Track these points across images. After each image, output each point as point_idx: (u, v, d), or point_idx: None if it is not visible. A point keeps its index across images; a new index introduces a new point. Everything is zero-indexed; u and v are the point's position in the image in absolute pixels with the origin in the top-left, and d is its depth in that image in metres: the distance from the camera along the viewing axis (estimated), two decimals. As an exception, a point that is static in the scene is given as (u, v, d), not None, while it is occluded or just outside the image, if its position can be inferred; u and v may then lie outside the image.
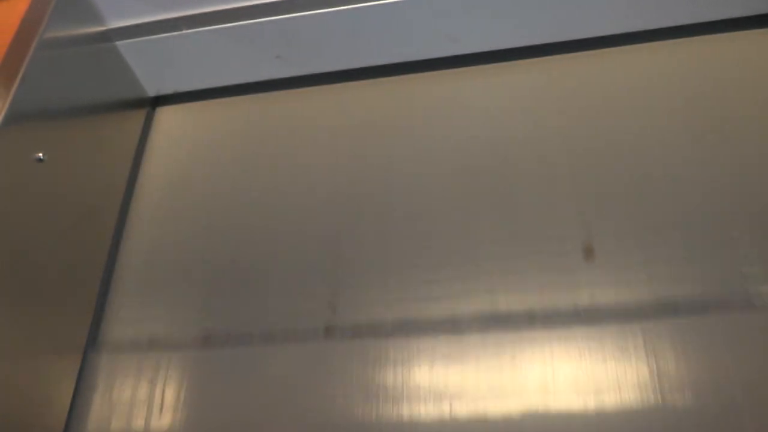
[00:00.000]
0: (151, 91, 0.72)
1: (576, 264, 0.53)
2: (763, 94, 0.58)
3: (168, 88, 0.71)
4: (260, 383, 0.52)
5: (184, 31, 0.64)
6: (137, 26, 0.64)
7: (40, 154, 0.53)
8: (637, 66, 0.63)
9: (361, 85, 0.68)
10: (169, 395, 0.53)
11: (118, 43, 0.66)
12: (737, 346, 0.47)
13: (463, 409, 0.48)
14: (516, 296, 0.52)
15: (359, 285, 0.55)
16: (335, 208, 0.60)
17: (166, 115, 0.72)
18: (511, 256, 0.54)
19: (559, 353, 0.49)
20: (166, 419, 0.52)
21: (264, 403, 0.51)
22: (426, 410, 0.48)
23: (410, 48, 0.65)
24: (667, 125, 0.58)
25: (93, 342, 0.57)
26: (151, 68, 0.69)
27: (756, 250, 0.50)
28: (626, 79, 0.62)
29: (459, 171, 0.60)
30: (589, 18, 0.62)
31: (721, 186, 0.54)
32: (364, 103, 0.67)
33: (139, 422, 0.53)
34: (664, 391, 0.46)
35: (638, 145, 0.58)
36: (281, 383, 0.52)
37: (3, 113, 0.49)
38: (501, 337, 0.50)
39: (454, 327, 0.52)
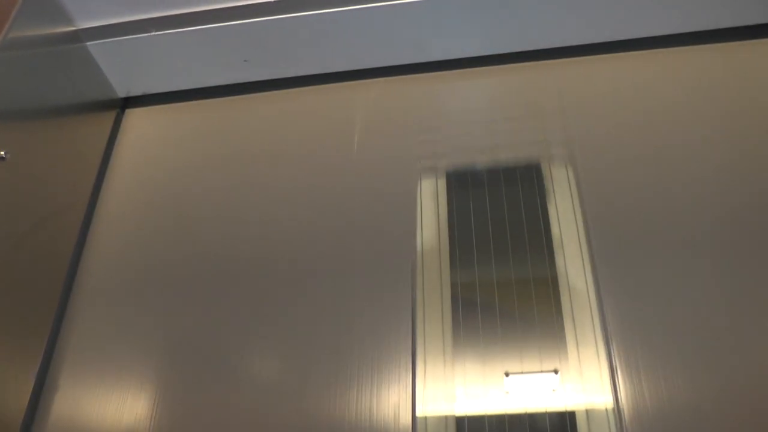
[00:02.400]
0: (121, 93, 0.72)
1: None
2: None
3: (138, 90, 0.71)
4: (227, 382, 0.52)
5: (152, 33, 0.64)
6: (106, 27, 0.65)
7: (2, 153, 0.52)
8: (608, 74, 0.64)
9: (327, 89, 0.68)
10: (133, 397, 0.53)
11: (88, 43, 0.66)
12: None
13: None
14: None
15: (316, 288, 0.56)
16: (302, 210, 0.60)
17: (134, 117, 0.72)
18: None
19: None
20: (129, 419, 0.52)
21: (227, 405, 0.51)
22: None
23: (377, 54, 0.66)
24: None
25: (53, 343, 0.57)
26: (122, 69, 0.69)
27: None
28: (606, 87, 0.63)
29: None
30: (565, 28, 0.63)
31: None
32: (331, 106, 0.67)
33: (99, 420, 0.52)
34: None
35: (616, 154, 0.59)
36: (244, 384, 0.52)
37: (-38, 111, 0.49)
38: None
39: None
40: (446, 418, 0.48)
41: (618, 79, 0.63)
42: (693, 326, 0.48)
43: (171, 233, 0.62)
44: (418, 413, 0.48)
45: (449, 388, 0.49)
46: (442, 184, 0.60)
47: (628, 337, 0.49)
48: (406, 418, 0.48)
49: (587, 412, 0.47)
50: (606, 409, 0.47)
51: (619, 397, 0.46)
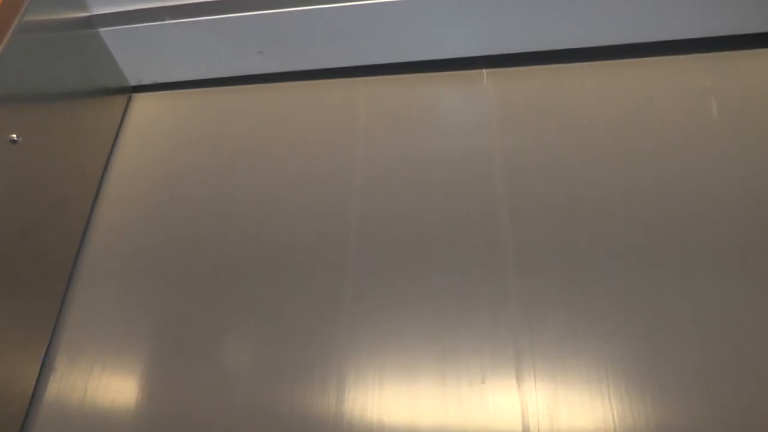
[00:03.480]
0: (133, 81, 0.72)
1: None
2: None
3: (149, 78, 0.71)
4: (221, 373, 0.52)
5: (167, 21, 0.64)
6: (121, 14, 0.64)
7: (14, 136, 0.52)
8: (625, 80, 0.64)
9: (340, 83, 0.68)
10: (134, 383, 0.53)
11: (101, 30, 0.66)
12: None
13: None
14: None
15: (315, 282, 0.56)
16: (309, 204, 0.60)
17: (144, 104, 0.72)
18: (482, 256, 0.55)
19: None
20: (130, 408, 0.52)
21: (222, 394, 0.51)
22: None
23: (391, 50, 0.66)
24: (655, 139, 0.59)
25: (62, 329, 0.57)
26: (134, 57, 0.69)
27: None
28: (609, 92, 0.63)
29: (433, 173, 0.60)
30: (574, 29, 0.63)
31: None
32: (342, 100, 0.67)
33: (105, 411, 0.52)
34: None
35: (620, 159, 0.59)
36: (242, 374, 0.52)
37: (-23, 93, 0.49)
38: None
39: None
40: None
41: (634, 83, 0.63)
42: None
43: (180, 221, 0.62)
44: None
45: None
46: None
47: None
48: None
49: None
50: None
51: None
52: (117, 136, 0.69)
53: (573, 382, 0.48)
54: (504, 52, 0.66)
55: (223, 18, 0.62)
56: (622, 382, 0.47)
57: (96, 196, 0.65)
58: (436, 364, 0.50)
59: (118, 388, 0.53)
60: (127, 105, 0.72)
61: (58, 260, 0.58)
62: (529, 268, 0.53)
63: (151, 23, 0.64)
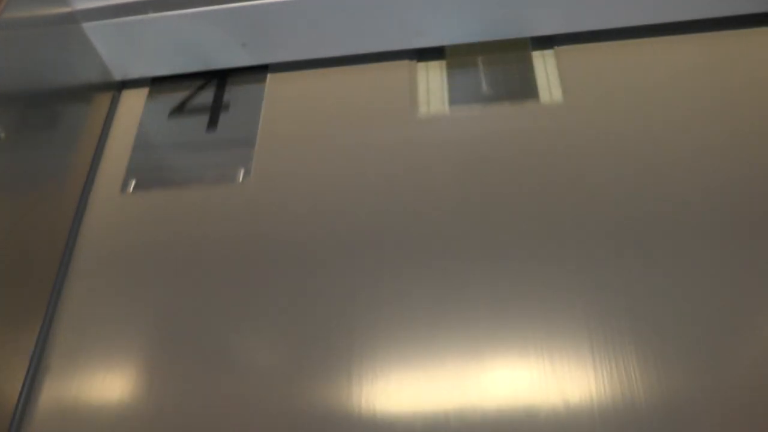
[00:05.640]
0: (118, 75, 0.71)
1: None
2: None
3: (135, 73, 0.71)
4: (222, 369, 0.52)
5: (150, 15, 0.63)
6: (103, 8, 0.64)
7: (-2, 132, 0.52)
8: (606, 65, 0.64)
9: (326, 74, 0.68)
10: (130, 378, 0.53)
11: (84, 24, 0.65)
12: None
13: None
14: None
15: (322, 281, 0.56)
16: (309, 198, 0.60)
17: (131, 99, 0.71)
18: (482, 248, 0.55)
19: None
20: (130, 408, 0.52)
21: (226, 393, 0.51)
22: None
23: (376, 39, 0.65)
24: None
25: (48, 327, 0.57)
26: (118, 52, 0.68)
27: None
28: (602, 77, 0.63)
29: (421, 164, 0.60)
30: (561, 15, 0.63)
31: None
32: (329, 92, 0.67)
33: (104, 412, 0.52)
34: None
35: (614, 148, 0.58)
36: (246, 370, 0.52)
37: (-42, 91, 0.49)
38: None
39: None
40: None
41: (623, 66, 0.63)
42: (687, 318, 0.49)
43: (167, 215, 0.62)
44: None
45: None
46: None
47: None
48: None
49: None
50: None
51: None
52: (105, 131, 0.69)
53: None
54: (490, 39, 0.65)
55: (205, 10, 0.62)
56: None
57: (87, 191, 0.64)
58: (461, 350, 0.50)
59: (117, 387, 0.53)
60: (115, 100, 0.72)
61: (44, 256, 0.58)
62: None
63: (135, 17, 0.64)
